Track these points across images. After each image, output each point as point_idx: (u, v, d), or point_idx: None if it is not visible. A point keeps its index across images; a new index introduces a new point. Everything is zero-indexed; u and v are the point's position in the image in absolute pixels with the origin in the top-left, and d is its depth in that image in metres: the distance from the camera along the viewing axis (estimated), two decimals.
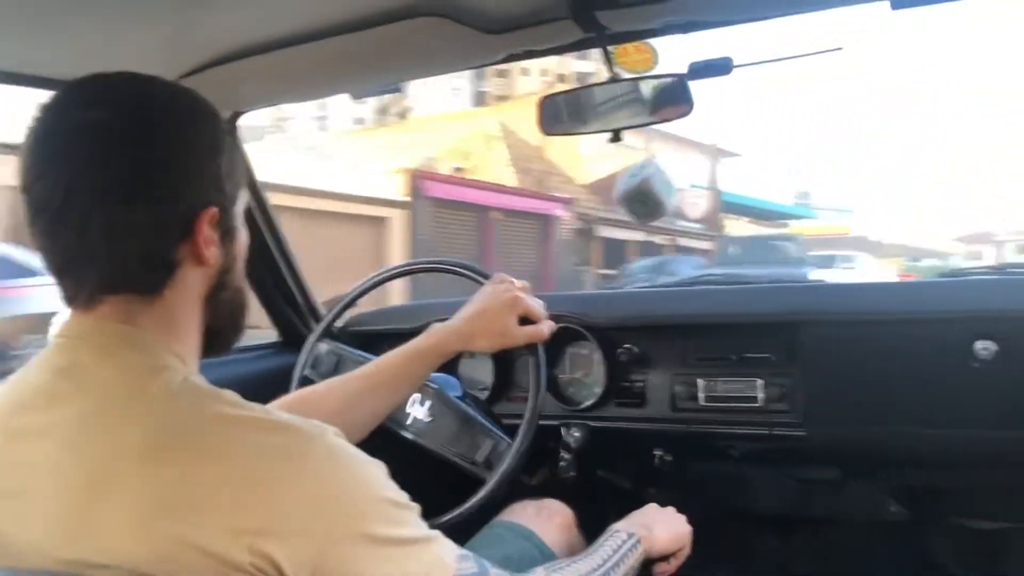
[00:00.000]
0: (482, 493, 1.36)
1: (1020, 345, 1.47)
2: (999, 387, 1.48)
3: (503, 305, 1.37)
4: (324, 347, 1.68)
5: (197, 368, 0.87)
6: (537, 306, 1.40)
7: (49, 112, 0.79)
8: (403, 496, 0.81)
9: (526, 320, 1.38)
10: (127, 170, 0.76)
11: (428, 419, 1.52)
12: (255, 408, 0.78)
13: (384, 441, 1.33)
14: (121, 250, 0.78)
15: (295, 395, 1.36)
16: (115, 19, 1.18)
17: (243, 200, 0.89)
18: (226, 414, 0.76)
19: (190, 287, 0.83)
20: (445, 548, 0.83)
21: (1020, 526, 1.84)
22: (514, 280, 1.42)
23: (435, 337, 1.35)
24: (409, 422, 1.53)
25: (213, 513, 0.70)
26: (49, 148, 0.77)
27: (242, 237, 0.89)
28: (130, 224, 0.77)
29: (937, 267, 48.05)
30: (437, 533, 0.83)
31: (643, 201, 1.49)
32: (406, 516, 0.80)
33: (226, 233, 0.85)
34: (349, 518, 0.75)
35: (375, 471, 0.80)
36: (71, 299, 0.81)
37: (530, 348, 1.41)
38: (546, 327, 1.40)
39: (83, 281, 0.79)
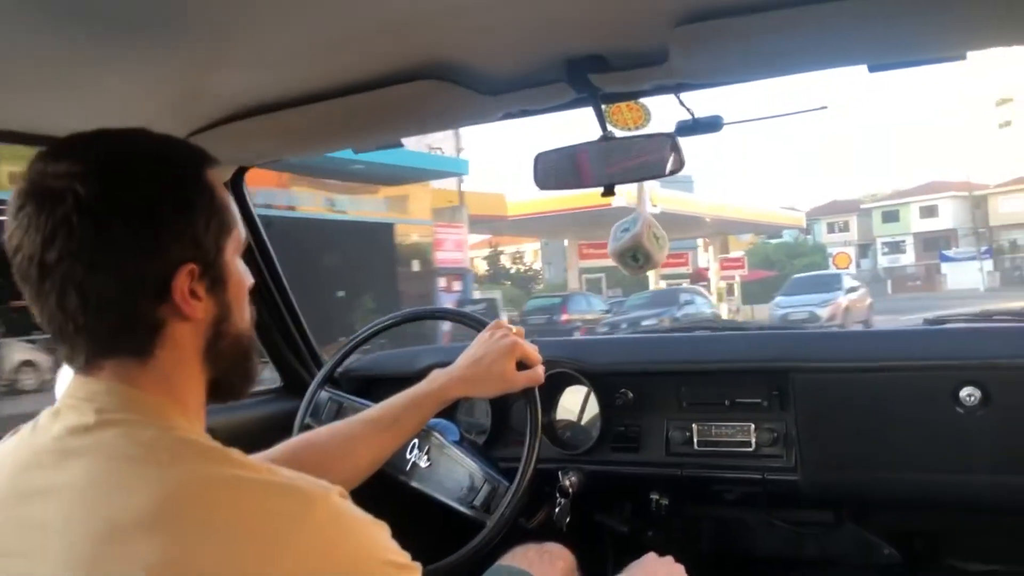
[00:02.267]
0: (481, 536, 1.38)
1: (1004, 392, 1.51)
2: (984, 433, 1.52)
3: (501, 351, 1.40)
4: (324, 395, 1.71)
5: (203, 420, 0.87)
6: (533, 351, 1.44)
7: (25, 180, 0.78)
8: (405, 556, 0.81)
9: (522, 366, 1.42)
10: (91, 238, 0.75)
11: (426, 465, 1.55)
12: (260, 467, 0.78)
13: (384, 488, 1.36)
14: (100, 318, 0.78)
15: (299, 439, 1.37)
16: (128, 77, 1.21)
17: (237, 244, 0.87)
18: (229, 475, 0.76)
19: (183, 344, 0.82)
20: None
21: (1013, 568, 1.86)
22: (511, 326, 1.46)
23: (437, 383, 1.39)
24: (408, 468, 1.56)
25: None
26: (24, 217, 0.76)
27: (237, 281, 0.88)
28: (101, 291, 0.77)
29: (791, 245, 45.42)
30: None
31: (635, 256, 1.53)
32: None
33: (214, 283, 0.83)
34: None
35: (378, 533, 0.80)
36: (70, 362, 0.82)
37: (526, 392, 1.45)
38: (542, 371, 1.44)
39: (76, 348, 0.80)
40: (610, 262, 1.56)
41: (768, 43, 1.18)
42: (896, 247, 57.69)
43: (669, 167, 1.36)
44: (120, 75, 1.20)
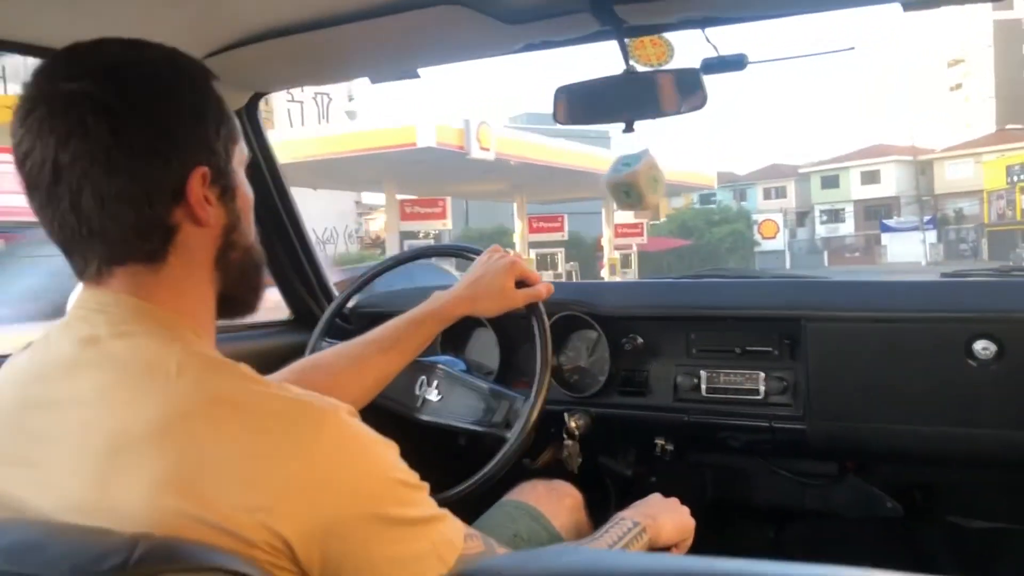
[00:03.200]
0: (505, 450, 1.37)
1: (1019, 347, 1.49)
2: (997, 387, 1.50)
3: (500, 269, 1.41)
4: (324, 343, 1.70)
5: (213, 336, 0.87)
6: (533, 270, 1.44)
7: (33, 85, 0.78)
8: (413, 476, 0.81)
9: (523, 285, 1.43)
10: (107, 139, 0.76)
11: (438, 398, 1.56)
12: (270, 383, 0.78)
13: (396, 426, 1.36)
14: (116, 220, 0.77)
15: (305, 361, 1.38)
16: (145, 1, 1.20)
17: (242, 156, 0.88)
18: (239, 389, 0.76)
19: (195, 251, 0.83)
20: (453, 527, 0.84)
21: (1014, 527, 1.86)
22: (508, 250, 1.47)
23: (438, 302, 1.40)
24: (419, 404, 1.57)
25: (227, 490, 0.71)
26: (34, 122, 0.76)
27: (244, 193, 0.88)
28: (119, 193, 0.77)
29: (712, 211, 40.60)
30: (446, 512, 0.84)
31: (627, 192, 1.51)
32: (416, 496, 0.81)
33: (224, 191, 0.84)
34: (359, 498, 0.75)
35: (386, 451, 0.80)
36: (81, 274, 0.82)
37: (531, 308, 1.44)
38: (543, 288, 1.43)
39: (88, 256, 0.80)
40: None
41: None
42: (835, 215, 54.09)
43: (691, 104, 1.34)
44: None
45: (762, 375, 1.73)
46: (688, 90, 1.35)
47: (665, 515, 1.30)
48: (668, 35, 1.39)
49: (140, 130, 0.77)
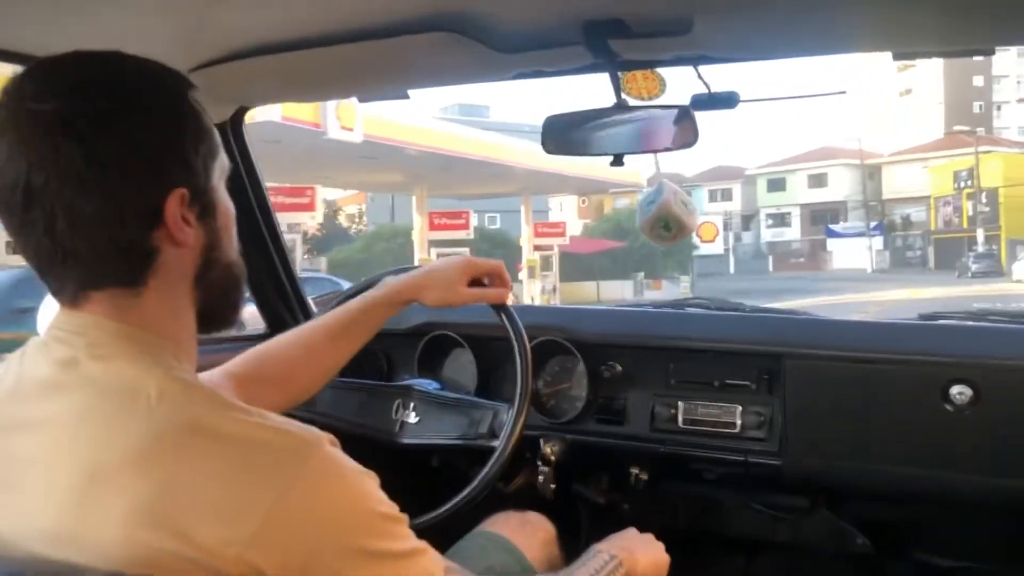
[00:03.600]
0: (494, 460, 1.36)
1: (994, 392, 1.50)
2: (972, 432, 1.51)
3: (454, 264, 1.41)
4: None
5: (195, 358, 0.86)
6: (493, 267, 1.42)
7: (3, 105, 0.75)
8: (393, 508, 0.80)
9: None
10: (79, 161, 0.73)
11: (417, 420, 1.54)
12: (251, 412, 0.76)
13: (371, 454, 1.35)
14: (91, 244, 0.75)
15: (256, 351, 1.33)
16: (131, 7, 1.17)
17: (223, 170, 0.86)
18: (219, 418, 0.74)
19: (174, 272, 0.81)
20: (433, 560, 0.83)
21: (983, 566, 1.87)
22: (478, 260, 1.46)
23: (387, 287, 1.39)
24: (399, 428, 1.55)
25: (202, 522, 0.69)
26: (4, 145, 0.74)
27: (225, 209, 0.86)
28: (92, 217, 0.74)
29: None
30: (425, 545, 0.83)
31: (665, 225, 1.51)
32: (396, 529, 0.79)
33: (204, 209, 0.82)
34: (340, 531, 0.74)
35: (367, 483, 0.79)
36: (57, 295, 0.80)
37: (501, 310, 1.44)
38: (494, 292, 1.42)
39: (64, 280, 0.78)
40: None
41: (795, 21, 1.16)
42: (781, 219, 52.60)
43: (681, 139, 1.34)
44: (119, 4, 1.16)
45: (739, 409, 1.73)
46: (678, 127, 1.35)
47: (641, 550, 1.30)
48: (662, 70, 1.39)
49: (113, 152, 0.75)
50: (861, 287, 28.38)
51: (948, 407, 1.52)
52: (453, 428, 1.52)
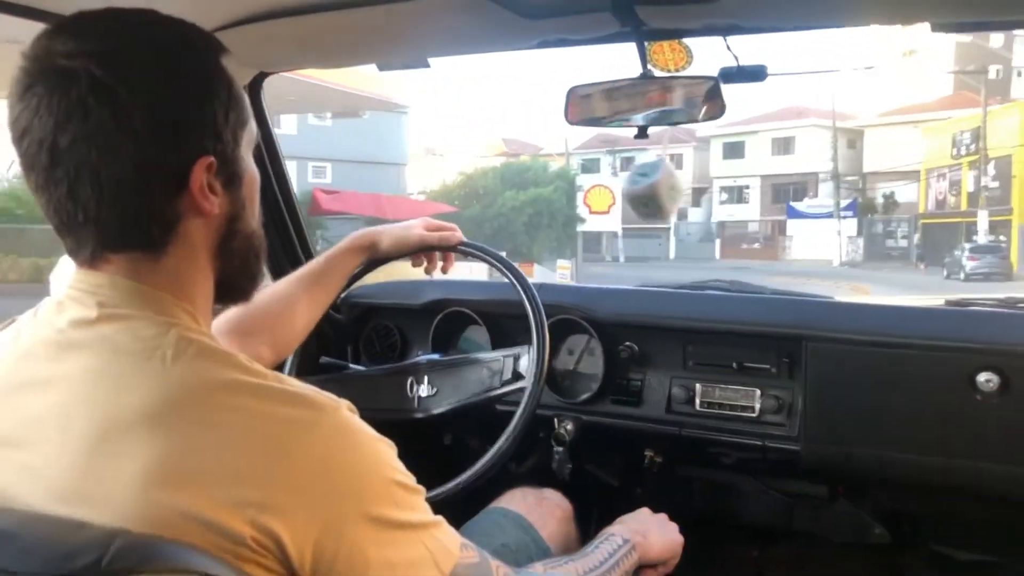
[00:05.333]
0: (528, 393, 1.38)
1: (1022, 381, 1.47)
2: (999, 421, 1.48)
3: (414, 220, 1.50)
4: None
5: (210, 322, 0.85)
6: (447, 223, 1.51)
7: (32, 58, 0.73)
8: (411, 478, 0.79)
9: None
10: (108, 123, 0.72)
11: (434, 390, 1.52)
12: (267, 375, 0.75)
13: (397, 434, 1.34)
14: (115, 209, 0.74)
15: (238, 307, 1.35)
16: None
17: (251, 138, 0.85)
18: (235, 380, 0.73)
19: (196, 240, 0.80)
20: (449, 534, 0.81)
21: (1000, 560, 1.84)
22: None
23: (349, 237, 1.47)
24: (416, 404, 1.53)
25: (216, 483, 0.68)
26: (32, 99, 0.72)
27: (252, 178, 0.85)
28: (119, 180, 0.73)
29: (514, 172, 28.30)
30: (440, 519, 0.81)
31: (646, 203, 1.49)
32: (413, 500, 0.78)
33: (230, 179, 0.81)
34: (356, 498, 0.73)
35: (385, 450, 0.77)
36: (74, 254, 0.78)
37: (462, 247, 1.50)
38: (438, 235, 1.48)
39: (83, 240, 0.76)
40: None
41: None
42: (738, 194, 41.99)
43: (708, 112, 1.31)
44: None
45: (758, 392, 1.70)
46: (706, 99, 1.32)
47: (654, 532, 1.28)
48: (689, 42, 1.36)
49: (143, 115, 0.73)
50: (813, 287, 18.74)
51: (976, 395, 1.49)
52: (474, 385, 1.50)
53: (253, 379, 0.74)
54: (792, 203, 38.64)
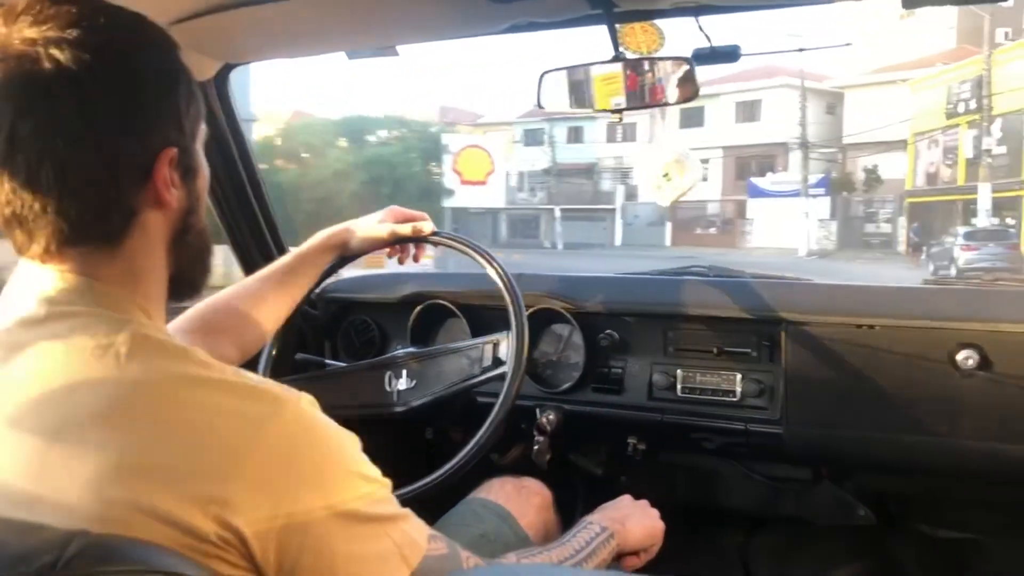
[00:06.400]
0: (509, 380, 1.35)
1: (1003, 357, 1.46)
2: (980, 398, 1.48)
3: (379, 211, 1.49)
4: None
5: (163, 319, 0.83)
6: (417, 213, 1.49)
7: None
8: (375, 471, 0.77)
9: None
10: (73, 111, 0.70)
11: (412, 383, 1.50)
12: (225, 369, 0.73)
13: (375, 430, 1.33)
14: (77, 199, 0.72)
15: (203, 304, 1.31)
16: None
17: (202, 135, 0.84)
18: (192, 374, 0.71)
19: (152, 233, 0.78)
20: (416, 526, 0.80)
21: (984, 538, 1.85)
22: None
23: (320, 235, 1.45)
24: (396, 398, 1.51)
25: (176, 480, 0.66)
26: None
27: (204, 173, 0.84)
28: (83, 170, 0.71)
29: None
30: (408, 511, 0.80)
31: (666, 174, 1.49)
32: (378, 492, 0.76)
33: (187, 172, 0.79)
34: (320, 492, 0.71)
35: (347, 443, 0.76)
36: (22, 250, 0.75)
37: (436, 235, 1.47)
38: (423, 224, 1.46)
39: (36, 233, 0.73)
40: None
41: None
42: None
43: (681, 94, 1.30)
44: None
45: (739, 376, 1.69)
46: (679, 80, 1.30)
47: (634, 519, 1.27)
48: (660, 24, 1.34)
49: (111, 104, 0.71)
50: None
51: (955, 373, 1.49)
52: (454, 375, 1.48)
53: (210, 373, 0.72)
54: (754, 180, 32.43)
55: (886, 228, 30.84)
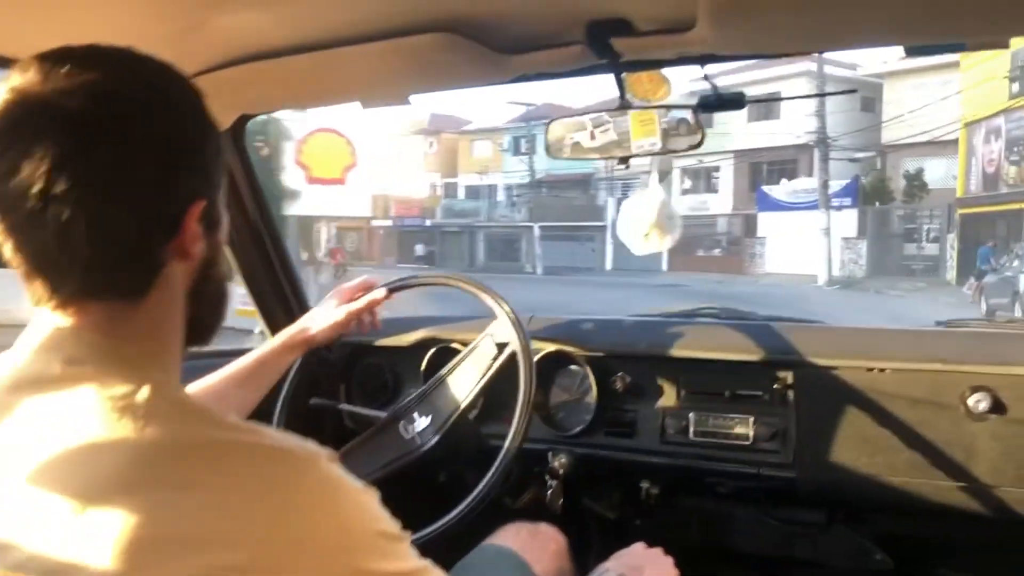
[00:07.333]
0: (515, 423, 1.41)
1: (1015, 401, 1.46)
2: (992, 442, 1.47)
3: (326, 299, 1.55)
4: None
5: (179, 372, 0.81)
6: (360, 282, 1.57)
7: (16, 94, 0.69)
8: (395, 526, 0.76)
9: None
10: (109, 163, 0.68)
11: (428, 419, 1.54)
12: (242, 428, 0.72)
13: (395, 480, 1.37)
14: (105, 254, 0.70)
15: None
16: (126, 8, 1.15)
17: (222, 185, 0.82)
18: (212, 438, 0.70)
19: (174, 285, 0.77)
20: None
21: None
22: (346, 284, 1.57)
23: (283, 336, 1.50)
24: (420, 442, 1.53)
25: (196, 549, 0.64)
26: (17, 138, 0.68)
27: (224, 224, 0.83)
28: (115, 223, 0.70)
29: None
30: (428, 563, 0.79)
31: (647, 234, 1.50)
32: (398, 548, 0.75)
33: (211, 223, 0.79)
34: (344, 554, 0.70)
35: (367, 500, 0.75)
36: (41, 300, 0.73)
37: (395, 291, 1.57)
38: (361, 305, 1.52)
39: (59, 286, 0.72)
40: None
41: (800, 16, 1.13)
42: (705, 180, 30.58)
43: (689, 142, 1.32)
44: (116, 5, 1.13)
45: (751, 420, 1.69)
46: (685, 127, 1.32)
47: (649, 567, 1.26)
48: (667, 72, 1.37)
49: (142, 157, 0.71)
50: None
51: (968, 417, 1.48)
52: (465, 384, 1.53)
53: (230, 435, 0.71)
54: (765, 188, 26.70)
55: (931, 249, 24.17)
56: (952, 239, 22.73)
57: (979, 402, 1.47)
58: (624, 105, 1.33)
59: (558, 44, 1.26)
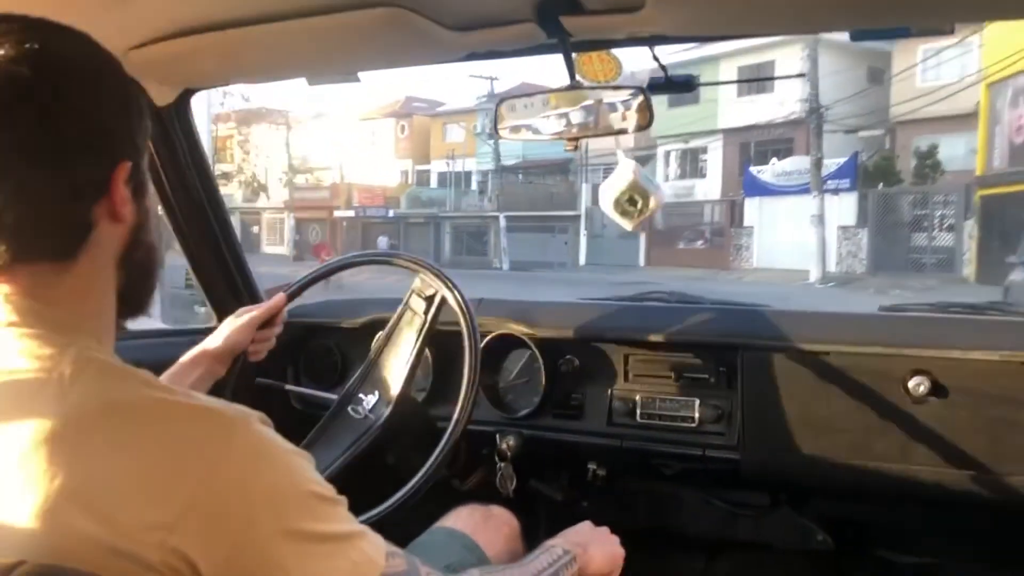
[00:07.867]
0: (460, 401, 1.39)
1: (954, 384, 1.49)
2: (931, 424, 1.50)
3: (229, 320, 1.45)
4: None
5: (112, 340, 0.81)
6: (264, 307, 1.48)
7: None
8: (330, 489, 0.76)
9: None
10: (35, 129, 0.70)
11: (375, 393, 1.52)
12: (175, 391, 0.72)
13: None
14: (35, 216, 0.71)
15: None
16: None
17: (147, 152, 0.84)
18: (140, 397, 0.70)
19: (105, 249, 0.77)
20: (374, 543, 0.79)
21: (941, 562, 1.86)
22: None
23: (195, 351, 1.39)
24: (374, 417, 1.51)
25: (122, 507, 0.65)
26: None
27: (151, 190, 0.84)
28: (43, 186, 0.71)
29: None
30: (365, 528, 0.79)
31: (631, 200, 1.49)
32: (333, 510, 0.75)
33: (138, 187, 0.79)
34: (274, 514, 0.70)
35: (300, 462, 0.75)
36: None
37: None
38: (276, 299, 1.49)
39: None
40: None
41: None
42: (693, 163, 27.05)
43: (637, 123, 1.32)
44: None
45: (697, 402, 1.71)
46: (635, 109, 1.32)
47: (595, 544, 1.26)
48: (617, 52, 1.36)
49: (70, 121, 0.72)
50: None
51: (908, 399, 1.51)
52: (404, 348, 1.51)
53: (159, 394, 0.71)
54: (753, 169, 23.47)
55: (945, 239, 19.79)
56: (970, 226, 18.53)
57: (919, 385, 1.50)
58: (574, 85, 1.33)
59: (508, 22, 1.25)
